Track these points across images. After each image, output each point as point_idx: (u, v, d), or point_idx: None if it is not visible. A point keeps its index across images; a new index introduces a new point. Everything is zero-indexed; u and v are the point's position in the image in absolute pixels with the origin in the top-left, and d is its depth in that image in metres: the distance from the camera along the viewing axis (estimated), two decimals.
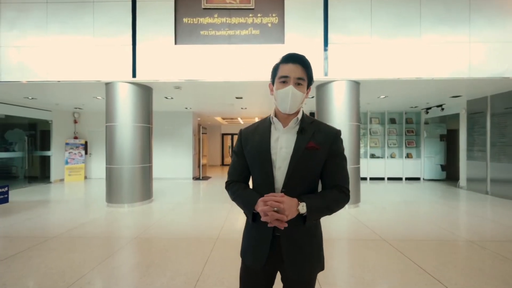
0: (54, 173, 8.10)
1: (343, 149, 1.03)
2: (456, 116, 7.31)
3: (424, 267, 2.45)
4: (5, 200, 4.44)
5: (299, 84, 0.97)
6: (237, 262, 2.53)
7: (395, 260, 2.61)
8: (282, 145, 1.00)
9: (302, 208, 0.91)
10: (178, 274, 2.32)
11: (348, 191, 1.00)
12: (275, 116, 1.06)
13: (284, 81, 0.97)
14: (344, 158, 1.03)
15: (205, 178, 9.04)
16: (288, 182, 0.97)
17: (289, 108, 0.98)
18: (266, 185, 1.00)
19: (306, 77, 0.98)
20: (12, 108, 6.75)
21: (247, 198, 1.02)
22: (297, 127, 1.02)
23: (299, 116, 1.03)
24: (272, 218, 0.89)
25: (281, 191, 0.96)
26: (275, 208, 0.89)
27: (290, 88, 0.96)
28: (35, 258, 2.61)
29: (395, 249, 2.87)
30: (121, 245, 2.97)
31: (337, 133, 1.03)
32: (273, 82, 1.03)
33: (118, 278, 2.26)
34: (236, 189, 1.07)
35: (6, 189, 4.44)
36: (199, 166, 9.16)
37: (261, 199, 0.93)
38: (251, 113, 9.44)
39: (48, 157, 8.12)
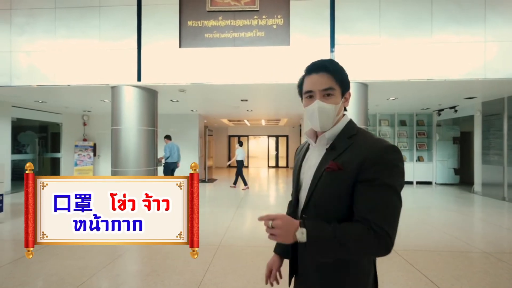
0: (63, 175, 8.25)
1: (386, 175, 0.73)
2: (470, 118, 7.02)
3: (435, 280, 2.31)
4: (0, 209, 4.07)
5: (328, 95, 0.84)
6: (239, 271, 2.46)
7: (404, 272, 2.48)
8: (311, 164, 0.89)
9: (301, 235, 0.72)
10: (177, 283, 2.27)
11: (385, 232, 0.69)
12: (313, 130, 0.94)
13: (311, 95, 0.86)
14: (384, 187, 0.72)
15: (211, 180, 9.03)
16: (307, 208, 0.84)
17: (320, 126, 0.85)
18: (295, 207, 0.93)
19: (337, 84, 0.84)
20: (24, 111, 6.92)
21: None
22: (330, 143, 0.86)
23: (335, 130, 0.86)
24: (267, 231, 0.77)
25: (301, 217, 0.85)
26: (270, 224, 0.75)
27: (316, 104, 0.83)
28: (36, 263, 2.61)
29: (404, 260, 2.73)
30: (122, 251, 2.95)
31: (379, 150, 0.75)
32: (301, 98, 0.92)
33: (116, 286, 2.23)
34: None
35: (0, 197, 4.07)
36: (205, 168, 9.16)
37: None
38: (257, 115, 9.38)
39: (58, 159, 8.30)
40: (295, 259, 0.91)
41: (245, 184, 7.35)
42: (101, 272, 2.46)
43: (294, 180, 0.97)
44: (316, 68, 0.85)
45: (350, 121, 0.89)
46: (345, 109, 0.91)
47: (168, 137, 6.35)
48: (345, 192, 0.76)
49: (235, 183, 7.65)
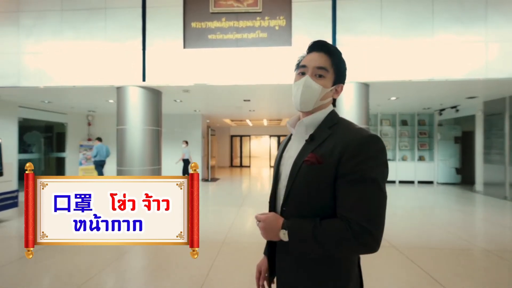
0: (68, 174, 8.35)
1: (367, 168, 0.69)
2: (471, 118, 7.03)
3: (437, 277, 2.35)
4: (15, 204, 4.26)
5: (320, 76, 0.80)
6: (243, 267, 2.53)
7: (404, 269, 2.52)
8: (290, 155, 0.85)
9: (284, 235, 0.74)
10: (183, 278, 2.33)
11: (364, 229, 0.66)
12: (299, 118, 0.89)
13: (303, 72, 0.83)
14: (364, 182, 0.69)
15: (214, 179, 9.10)
16: (287, 203, 0.80)
17: (300, 103, 0.81)
18: (271, 200, 0.89)
19: (331, 66, 0.81)
20: (30, 111, 7.03)
21: None
22: (310, 133, 0.82)
23: (315, 118, 0.83)
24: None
25: (281, 211, 0.82)
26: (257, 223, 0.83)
27: (303, 79, 0.80)
28: (44, 260, 2.69)
29: (405, 257, 2.78)
30: (127, 248, 3.02)
31: (358, 141, 0.72)
32: None
33: (124, 282, 2.30)
34: None
35: (16, 193, 4.28)
36: (208, 168, 9.23)
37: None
38: (259, 115, 9.44)
39: (63, 158, 8.41)
40: (272, 258, 0.88)
41: None
42: (109, 267, 2.53)
43: (274, 172, 0.92)
44: (319, 46, 0.83)
45: (333, 111, 0.85)
46: (334, 104, 0.88)
47: (99, 139, 7.47)
48: (327, 187, 0.73)
49: None
